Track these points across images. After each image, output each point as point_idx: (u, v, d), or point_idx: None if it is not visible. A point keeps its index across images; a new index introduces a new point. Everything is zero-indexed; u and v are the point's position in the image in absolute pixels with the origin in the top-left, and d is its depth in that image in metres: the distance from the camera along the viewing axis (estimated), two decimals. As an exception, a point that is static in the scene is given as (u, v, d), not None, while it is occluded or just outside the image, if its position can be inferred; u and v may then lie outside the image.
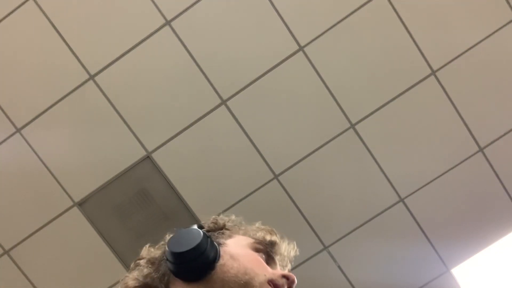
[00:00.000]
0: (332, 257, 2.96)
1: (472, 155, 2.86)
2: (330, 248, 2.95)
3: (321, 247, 2.95)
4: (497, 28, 2.74)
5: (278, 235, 1.11)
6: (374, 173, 2.86)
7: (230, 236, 1.06)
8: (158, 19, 2.71)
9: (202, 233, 0.98)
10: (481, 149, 2.86)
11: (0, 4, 2.70)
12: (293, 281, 0.99)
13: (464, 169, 2.86)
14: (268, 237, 1.07)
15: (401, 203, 2.91)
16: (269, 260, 1.05)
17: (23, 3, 2.68)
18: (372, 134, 2.83)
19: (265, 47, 2.75)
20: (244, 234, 1.08)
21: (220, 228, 1.09)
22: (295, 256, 1.13)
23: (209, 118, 2.80)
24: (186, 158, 2.81)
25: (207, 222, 1.11)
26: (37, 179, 2.84)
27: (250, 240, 1.05)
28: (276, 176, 2.85)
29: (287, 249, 1.11)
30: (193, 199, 2.86)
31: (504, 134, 2.85)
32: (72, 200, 2.86)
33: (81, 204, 2.87)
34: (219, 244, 1.01)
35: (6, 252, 2.91)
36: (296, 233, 2.91)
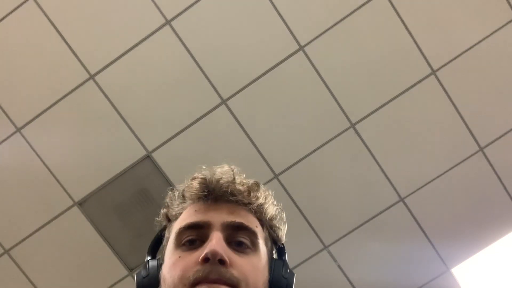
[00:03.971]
0: (332, 256, 2.96)
1: (472, 155, 2.86)
2: (330, 248, 2.95)
3: (321, 246, 2.95)
4: (497, 28, 2.74)
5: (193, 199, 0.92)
6: (374, 172, 2.86)
7: (165, 246, 0.94)
8: (158, 18, 2.71)
9: (136, 277, 0.92)
10: (481, 149, 2.86)
11: (0, 4, 2.70)
12: (205, 258, 0.82)
13: (464, 168, 2.86)
14: (186, 221, 0.90)
15: (401, 203, 2.91)
16: (198, 242, 0.87)
17: (23, 3, 2.68)
18: (372, 133, 2.83)
19: (265, 46, 2.75)
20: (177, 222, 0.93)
21: (161, 241, 0.97)
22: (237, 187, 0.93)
23: (209, 118, 2.80)
24: (186, 158, 2.81)
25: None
26: (37, 178, 2.84)
27: (172, 237, 0.91)
28: (276, 176, 2.85)
29: (218, 215, 0.90)
30: (193, 198, 2.85)
31: (504, 134, 2.85)
32: (72, 200, 2.86)
33: (81, 204, 2.87)
34: (159, 265, 0.91)
35: (6, 251, 2.91)
36: (296, 233, 2.91)
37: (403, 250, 2.95)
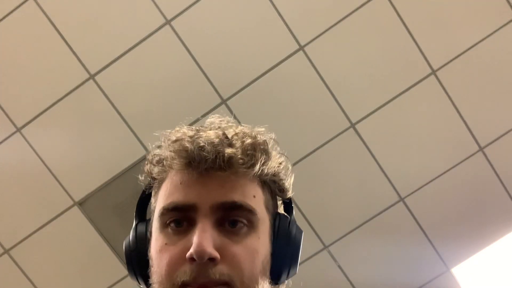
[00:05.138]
0: (332, 256, 2.96)
1: (472, 155, 2.86)
2: (330, 248, 2.95)
3: (321, 246, 2.95)
4: (497, 28, 2.74)
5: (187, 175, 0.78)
6: (374, 172, 2.86)
7: (154, 210, 0.84)
8: (158, 18, 2.71)
9: (124, 246, 0.85)
10: (481, 149, 2.86)
11: (0, 4, 2.70)
12: (191, 257, 0.73)
13: (464, 168, 2.86)
14: (169, 200, 0.79)
15: (401, 203, 2.91)
16: (186, 223, 0.78)
17: (23, 3, 2.68)
18: (372, 133, 2.83)
19: (265, 46, 2.75)
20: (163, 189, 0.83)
21: (148, 200, 0.87)
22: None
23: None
24: (186, 157, 2.80)
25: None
26: (37, 178, 2.84)
27: (156, 214, 0.81)
28: (276, 176, 2.85)
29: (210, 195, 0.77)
30: (193, 198, 2.85)
31: (504, 134, 2.85)
32: (72, 200, 2.86)
33: (81, 204, 2.87)
34: (148, 239, 0.83)
35: (6, 251, 2.91)
36: (296, 233, 2.90)
37: (403, 250, 2.95)
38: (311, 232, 2.91)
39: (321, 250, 2.95)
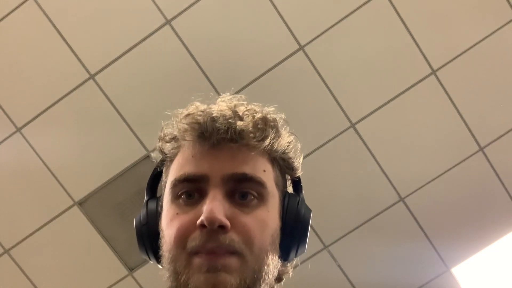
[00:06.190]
0: (332, 256, 2.96)
1: (472, 155, 2.86)
2: (330, 248, 2.95)
3: (321, 246, 2.95)
4: (497, 28, 2.74)
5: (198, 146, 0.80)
6: (374, 172, 2.86)
7: (165, 184, 0.86)
8: (158, 18, 2.71)
9: (134, 222, 0.87)
10: (481, 149, 2.86)
11: (0, 4, 2.70)
12: (202, 223, 0.74)
13: (465, 168, 2.86)
14: (181, 172, 0.80)
15: (401, 203, 2.91)
16: (197, 194, 0.79)
17: (23, 3, 2.68)
18: (372, 133, 2.83)
19: (265, 46, 2.75)
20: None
21: (160, 176, 0.88)
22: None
23: (209, 118, 2.79)
24: (186, 157, 2.80)
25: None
26: (37, 178, 2.84)
27: (168, 187, 0.83)
28: (276, 176, 2.85)
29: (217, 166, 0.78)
30: (193, 198, 2.85)
31: (504, 134, 2.85)
32: (73, 200, 2.86)
33: (81, 204, 2.87)
34: (159, 213, 0.84)
35: (7, 251, 2.91)
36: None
37: (403, 250, 2.95)
38: (311, 232, 2.91)
39: (321, 250, 2.95)
